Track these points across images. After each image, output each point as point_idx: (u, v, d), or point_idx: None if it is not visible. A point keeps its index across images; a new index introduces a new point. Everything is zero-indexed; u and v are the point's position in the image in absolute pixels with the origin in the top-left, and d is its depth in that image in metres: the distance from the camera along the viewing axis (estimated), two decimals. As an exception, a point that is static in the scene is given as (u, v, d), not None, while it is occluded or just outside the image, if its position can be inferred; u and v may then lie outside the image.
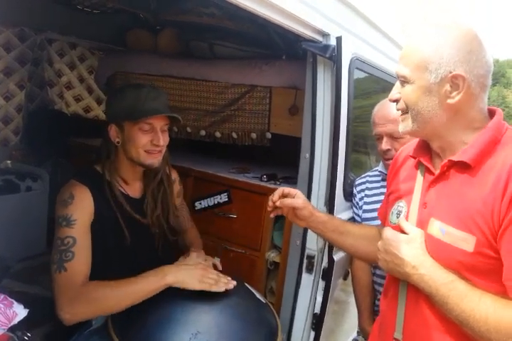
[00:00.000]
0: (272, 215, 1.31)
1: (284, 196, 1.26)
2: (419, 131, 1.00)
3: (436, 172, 1.00)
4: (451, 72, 0.91)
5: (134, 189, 1.48)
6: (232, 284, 1.26)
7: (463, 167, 0.95)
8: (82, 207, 1.30)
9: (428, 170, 1.04)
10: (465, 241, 0.90)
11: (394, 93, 1.02)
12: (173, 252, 1.55)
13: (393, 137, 1.49)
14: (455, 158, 0.96)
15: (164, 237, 1.52)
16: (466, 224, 0.91)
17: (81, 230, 1.28)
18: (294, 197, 1.25)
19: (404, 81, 0.98)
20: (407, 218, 1.06)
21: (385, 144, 1.51)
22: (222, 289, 1.23)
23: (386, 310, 1.14)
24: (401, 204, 1.10)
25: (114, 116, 1.39)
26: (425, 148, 1.07)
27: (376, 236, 1.27)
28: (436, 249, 0.96)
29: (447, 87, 0.93)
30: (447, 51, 0.92)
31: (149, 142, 1.36)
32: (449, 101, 0.94)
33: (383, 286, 1.22)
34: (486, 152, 0.93)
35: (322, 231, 1.30)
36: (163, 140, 1.38)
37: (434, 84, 0.93)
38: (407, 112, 1.00)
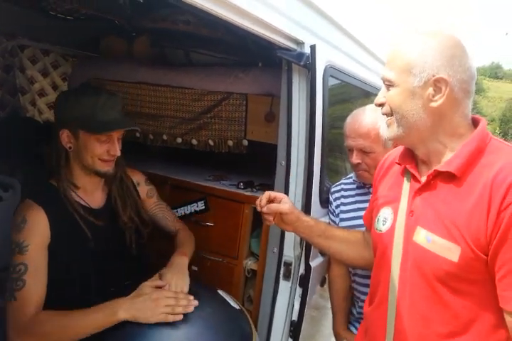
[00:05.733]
0: (268, 223, 1.30)
1: (270, 200, 1.26)
2: (404, 136, 1.01)
3: (422, 180, 1.01)
4: (434, 76, 0.93)
5: (94, 199, 1.43)
6: (191, 307, 1.21)
7: (449, 177, 0.96)
8: (35, 232, 1.25)
9: (414, 178, 1.04)
10: (450, 251, 0.91)
11: (379, 97, 1.04)
12: (146, 248, 1.54)
13: (363, 151, 1.50)
14: (441, 168, 0.97)
15: (137, 234, 1.49)
16: (452, 233, 0.91)
17: (34, 255, 1.23)
18: (280, 202, 1.25)
19: (390, 85, 1.00)
20: (393, 226, 1.06)
21: (355, 158, 1.52)
22: (179, 318, 1.17)
23: (373, 318, 1.13)
24: (387, 212, 1.10)
25: (69, 122, 1.32)
26: (410, 155, 1.08)
27: (360, 242, 1.30)
28: (422, 258, 0.97)
29: (430, 90, 0.94)
30: (431, 55, 0.94)
31: (105, 152, 1.34)
32: (432, 104, 0.95)
33: (368, 293, 1.22)
34: (471, 162, 0.94)
35: (308, 236, 1.32)
36: (119, 149, 1.37)
37: (418, 87, 0.95)
38: (391, 115, 1.01)
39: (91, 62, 2.51)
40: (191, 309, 1.20)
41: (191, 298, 1.24)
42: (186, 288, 1.29)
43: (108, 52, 2.44)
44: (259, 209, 1.26)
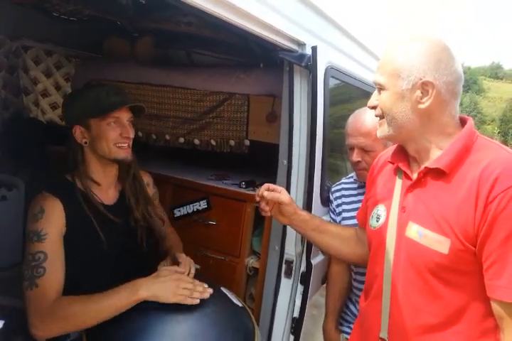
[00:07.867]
0: (264, 214, 1.36)
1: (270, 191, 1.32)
2: (395, 135, 1.06)
3: (414, 177, 1.05)
4: (421, 79, 0.98)
5: (107, 196, 1.46)
6: (207, 293, 1.25)
7: (438, 173, 1.00)
8: (53, 221, 1.28)
9: (406, 175, 1.09)
10: (440, 244, 0.95)
11: (372, 100, 1.09)
12: (157, 247, 1.56)
13: (364, 150, 1.52)
14: (431, 165, 1.01)
15: (148, 232, 1.51)
16: (441, 227, 0.96)
17: (52, 244, 1.26)
18: (280, 193, 1.32)
19: (381, 88, 1.05)
20: (386, 222, 1.10)
21: (355, 156, 1.54)
22: (196, 302, 1.21)
23: (368, 311, 1.17)
24: (380, 209, 1.15)
25: (78, 116, 1.37)
26: (403, 154, 1.12)
27: (353, 237, 1.35)
28: (414, 251, 1.02)
29: (418, 92, 0.99)
30: (417, 60, 0.99)
31: (119, 135, 1.37)
32: (420, 106, 1.00)
33: (362, 289, 1.25)
34: (459, 159, 0.98)
35: (303, 230, 1.37)
36: (131, 132, 1.41)
37: (407, 90, 1.00)
38: (383, 117, 1.06)
39: (94, 62, 2.53)
40: (207, 295, 1.24)
41: (206, 285, 1.27)
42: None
43: (111, 53, 2.46)
44: (257, 198, 1.31)
